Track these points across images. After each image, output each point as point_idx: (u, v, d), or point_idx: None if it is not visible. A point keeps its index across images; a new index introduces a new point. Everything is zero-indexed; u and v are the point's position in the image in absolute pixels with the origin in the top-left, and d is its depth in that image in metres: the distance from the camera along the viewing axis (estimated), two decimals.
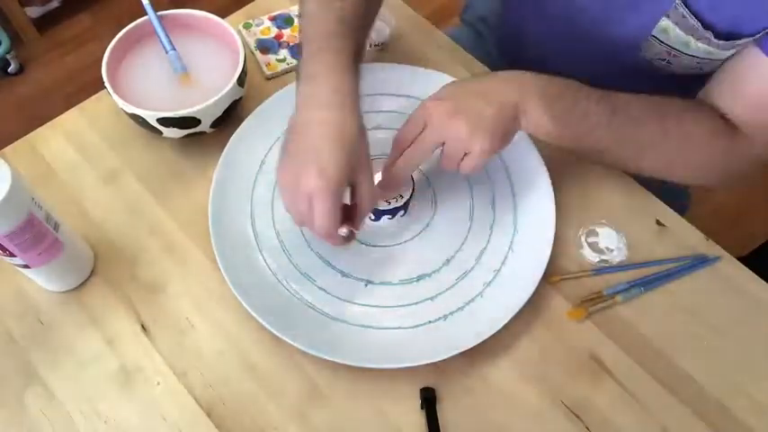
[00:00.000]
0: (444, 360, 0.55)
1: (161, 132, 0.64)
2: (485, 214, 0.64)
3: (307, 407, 0.55)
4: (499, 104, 0.53)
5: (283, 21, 0.78)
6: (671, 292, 0.61)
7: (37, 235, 0.52)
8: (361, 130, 0.52)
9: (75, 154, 0.68)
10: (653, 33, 0.59)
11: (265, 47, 0.76)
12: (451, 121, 0.52)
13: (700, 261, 0.62)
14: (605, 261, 0.62)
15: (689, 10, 0.55)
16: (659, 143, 0.58)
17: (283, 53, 0.75)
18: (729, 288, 0.61)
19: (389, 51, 0.76)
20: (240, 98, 0.66)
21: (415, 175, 0.63)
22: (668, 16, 0.56)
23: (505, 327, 0.56)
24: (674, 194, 0.70)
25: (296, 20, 0.77)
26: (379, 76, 0.70)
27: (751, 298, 0.61)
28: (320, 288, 0.60)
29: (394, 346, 0.56)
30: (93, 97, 0.72)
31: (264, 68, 0.74)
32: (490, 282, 0.60)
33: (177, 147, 0.69)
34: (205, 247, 0.62)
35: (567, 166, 0.67)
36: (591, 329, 0.59)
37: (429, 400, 0.55)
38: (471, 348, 0.55)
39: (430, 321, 0.58)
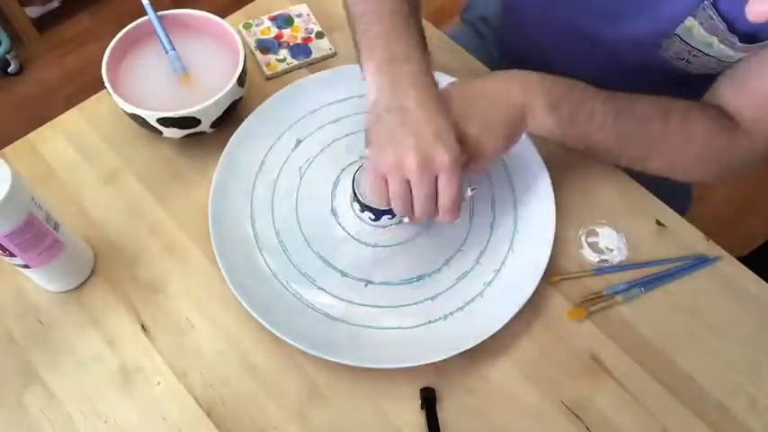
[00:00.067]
0: (444, 360, 0.55)
1: (161, 132, 0.64)
2: (485, 214, 0.64)
3: (307, 407, 0.55)
4: (506, 105, 0.53)
5: (283, 21, 0.78)
6: (671, 292, 0.61)
7: (37, 235, 0.52)
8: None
9: (75, 154, 0.68)
10: (676, 32, 0.58)
11: (265, 47, 0.76)
12: (458, 124, 0.52)
13: (700, 261, 0.62)
14: (605, 261, 0.62)
15: (717, 11, 0.54)
16: (663, 142, 0.58)
17: (283, 53, 0.75)
18: (729, 288, 0.61)
19: None
20: (240, 98, 0.66)
21: None
22: (694, 16, 0.56)
23: (505, 327, 0.56)
24: (674, 194, 0.70)
25: (296, 20, 0.77)
26: None
27: (751, 298, 0.61)
28: (320, 288, 0.60)
29: (394, 346, 0.56)
30: (93, 97, 0.72)
31: (264, 68, 0.74)
32: (490, 282, 0.60)
33: (177, 147, 0.69)
34: (205, 247, 0.62)
35: (568, 166, 0.67)
36: (591, 329, 0.59)
37: (429, 400, 0.55)
38: (471, 348, 0.55)
39: (430, 321, 0.58)
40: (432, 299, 0.59)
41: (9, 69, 1.73)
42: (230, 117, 0.66)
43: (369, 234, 0.62)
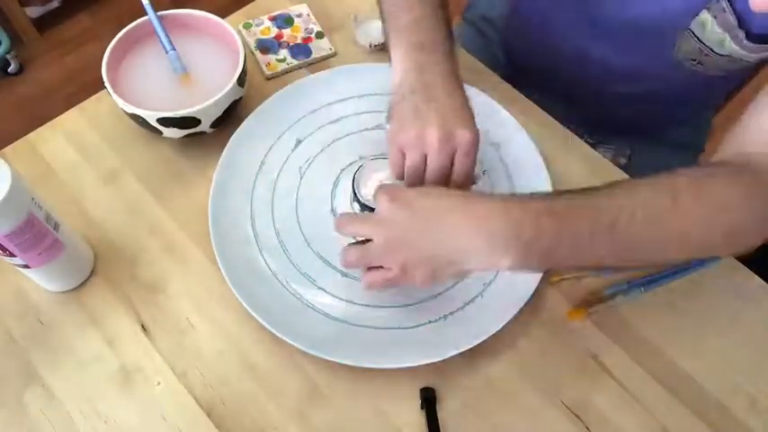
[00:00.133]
0: (444, 360, 0.55)
1: (161, 132, 0.64)
2: None
3: (307, 407, 0.55)
4: (453, 250, 0.46)
5: (283, 21, 0.78)
6: (671, 292, 0.61)
7: (37, 235, 0.52)
8: None
9: (75, 154, 0.68)
10: (690, 27, 0.58)
11: (265, 47, 0.76)
12: (397, 252, 0.47)
13: (699, 261, 0.62)
14: None
15: (730, 5, 0.54)
16: (679, 228, 0.48)
17: (283, 53, 0.75)
18: (729, 288, 0.61)
19: None
20: (240, 98, 0.66)
21: None
22: (709, 9, 0.56)
23: (505, 327, 0.56)
24: None
25: (296, 20, 0.77)
26: (380, 77, 0.70)
27: (751, 298, 0.61)
28: (320, 288, 0.60)
29: (394, 346, 0.56)
30: (93, 97, 0.72)
31: (264, 68, 0.74)
32: (490, 282, 0.60)
33: (177, 147, 0.69)
34: (205, 247, 0.61)
35: (568, 166, 0.67)
36: (591, 329, 0.59)
37: (429, 400, 0.55)
38: (471, 348, 0.55)
39: (430, 321, 0.58)
40: (432, 299, 0.59)
41: (9, 69, 1.73)
42: (230, 117, 0.66)
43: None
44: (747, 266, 0.62)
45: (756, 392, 0.56)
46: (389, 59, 0.58)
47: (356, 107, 0.70)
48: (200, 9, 0.68)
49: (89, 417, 0.55)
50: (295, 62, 0.74)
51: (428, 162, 0.53)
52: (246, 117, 0.67)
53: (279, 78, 0.74)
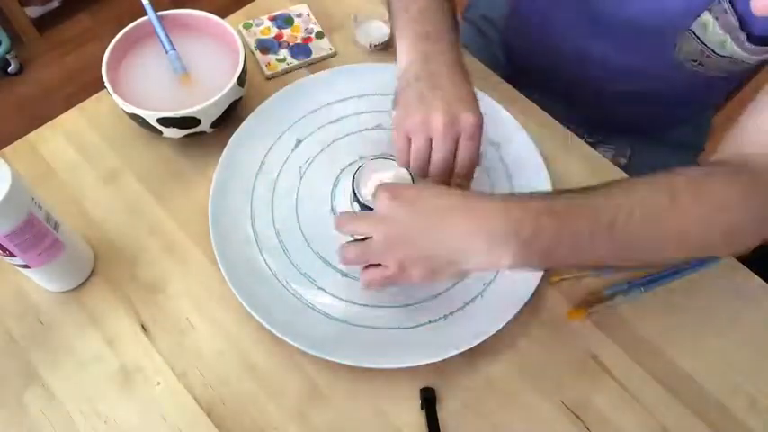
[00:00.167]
0: (444, 360, 0.55)
1: (161, 132, 0.64)
2: None
3: (307, 407, 0.55)
4: (453, 250, 0.46)
5: (283, 21, 0.78)
6: (671, 292, 0.61)
7: (37, 235, 0.52)
8: None
9: (75, 154, 0.68)
10: (691, 28, 0.58)
11: (265, 47, 0.76)
12: (396, 250, 0.47)
13: (699, 261, 0.62)
14: None
15: (732, 6, 0.54)
16: (678, 227, 0.48)
17: (283, 53, 0.75)
18: (729, 288, 0.61)
19: (390, 51, 0.76)
20: (240, 98, 0.66)
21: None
22: (710, 10, 0.56)
23: (505, 327, 0.56)
24: None
25: (296, 20, 0.77)
26: (380, 77, 0.70)
27: (751, 298, 0.61)
28: (320, 288, 0.60)
29: (394, 346, 0.56)
30: (93, 97, 0.72)
31: (264, 68, 0.74)
32: (490, 282, 0.60)
33: (177, 147, 0.69)
34: (205, 247, 0.61)
35: (568, 166, 0.67)
36: (591, 329, 0.59)
37: (429, 400, 0.55)
38: (471, 348, 0.55)
39: (430, 321, 0.58)
40: (432, 299, 0.59)
41: (9, 69, 1.72)
42: (230, 117, 0.66)
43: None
44: (747, 266, 0.62)
45: (756, 392, 0.56)
46: (395, 49, 0.58)
47: (356, 107, 0.70)
48: (201, 9, 0.68)
49: (89, 417, 0.55)
50: (295, 62, 0.74)
51: (433, 146, 0.54)
52: (246, 117, 0.67)
53: (279, 78, 0.74)
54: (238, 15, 0.79)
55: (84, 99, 0.72)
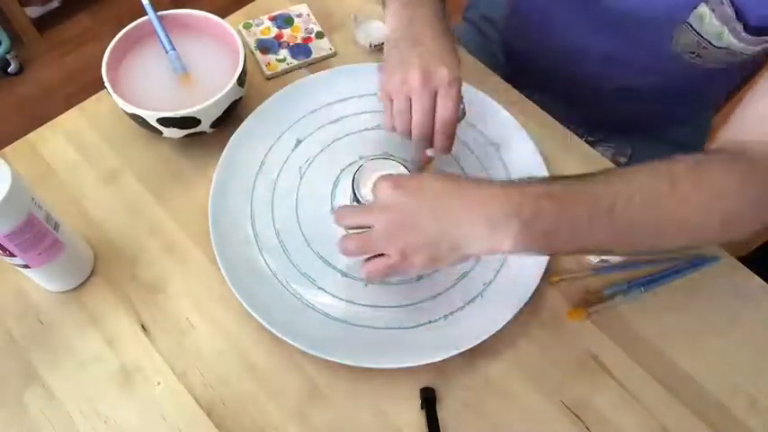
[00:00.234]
0: (444, 360, 0.55)
1: (161, 132, 0.64)
2: None
3: (307, 407, 0.55)
4: (454, 236, 0.47)
5: (283, 21, 0.78)
6: (671, 292, 0.61)
7: (37, 235, 0.52)
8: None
9: (75, 154, 0.68)
10: (688, 20, 0.58)
11: (265, 47, 0.76)
12: (398, 238, 0.47)
13: (699, 261, 0.62)
14: (605, 261, 0.62)
15: None
16: (676, 213, 0.48)
17: (283, 53, 0.75)
18: (729, 288, 0.61)
19: None
20: (240, 98, 0.66)
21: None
22: (706, 2, 0.56)
23: (505, 327, 0.56)
24: None
25: (296, 20, 0.77)
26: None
27: (751, 298, 0.61)
28: (320, 288, 0.60)
29: (394, 346, 0.56)
30: (93, 97, 0.72)
31: (264, 68, 0.74)
32: (490, 282, 0.60)
33: (177, 147, 0.69)
34: (205, 247, 0.62)
35: (568, 166, 0.67)
36: (591, 329, 0.59)
37: (429, 400, 0.55)
38: (471, 348, 0.55)
39: (430, 321, 0.58)
40: (432, 299, 0.59)
41: (9, 69, 1.72)
42: (230, 117, 0.66)
43: None
44: (747, 266, 0.62)
45: (756, 392, 0.56)
46: (384, 17, 0.60)
47: (356, 107, 0.70)
48: (201, 9, 0.68)
49: (89, 417, 0.55)
50: (295, 62, 0.74)
51: (413, 105, 0.55)
52: (246, 117, 0.67)
53: (279, 78, 0.74)
54: (238, 15, 0.79)
55: (84, 99, 0.72)
